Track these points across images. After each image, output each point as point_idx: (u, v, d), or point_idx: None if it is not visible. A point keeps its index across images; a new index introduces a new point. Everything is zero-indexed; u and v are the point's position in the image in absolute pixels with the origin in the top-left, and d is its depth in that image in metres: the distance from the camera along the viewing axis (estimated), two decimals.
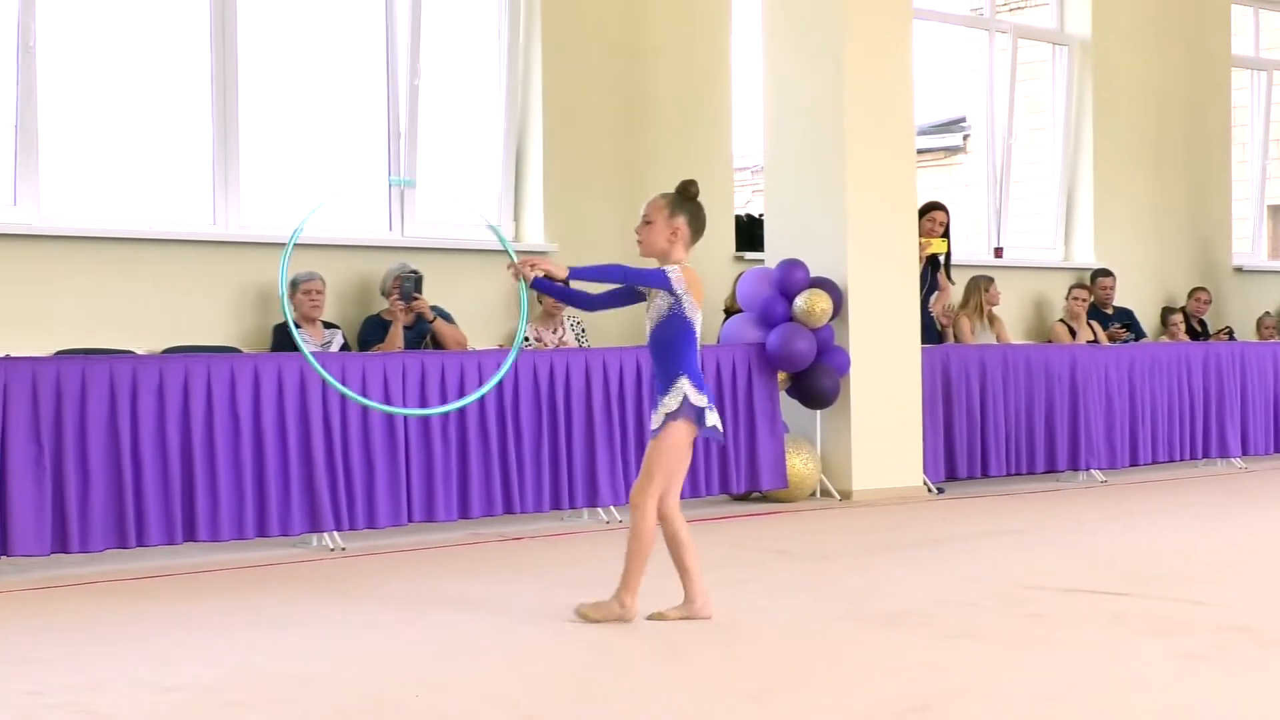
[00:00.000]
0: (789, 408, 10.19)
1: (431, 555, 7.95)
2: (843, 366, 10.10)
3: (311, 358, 6.11)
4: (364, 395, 8.14)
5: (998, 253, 13.67)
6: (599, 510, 9.07)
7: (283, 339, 9.20)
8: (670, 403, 5.76)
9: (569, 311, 10.41)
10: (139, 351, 8.85)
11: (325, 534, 8.10)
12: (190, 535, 7.69)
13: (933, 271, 11.38)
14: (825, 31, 10.31)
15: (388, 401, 8.22)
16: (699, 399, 5.76)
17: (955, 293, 12.10)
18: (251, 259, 9.62)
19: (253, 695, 4.76)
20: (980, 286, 12.35)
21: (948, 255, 11.51)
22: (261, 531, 7.89)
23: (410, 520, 8.36)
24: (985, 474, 10.99)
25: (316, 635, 5.78)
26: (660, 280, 5.76)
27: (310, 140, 10.34)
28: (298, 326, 9.28)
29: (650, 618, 5.85)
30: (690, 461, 5.95)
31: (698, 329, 5.81)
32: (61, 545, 7.35)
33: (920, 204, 11.07)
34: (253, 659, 5.32)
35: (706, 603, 5.84)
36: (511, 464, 8.65)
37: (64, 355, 8.21)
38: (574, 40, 11.04)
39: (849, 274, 10.20)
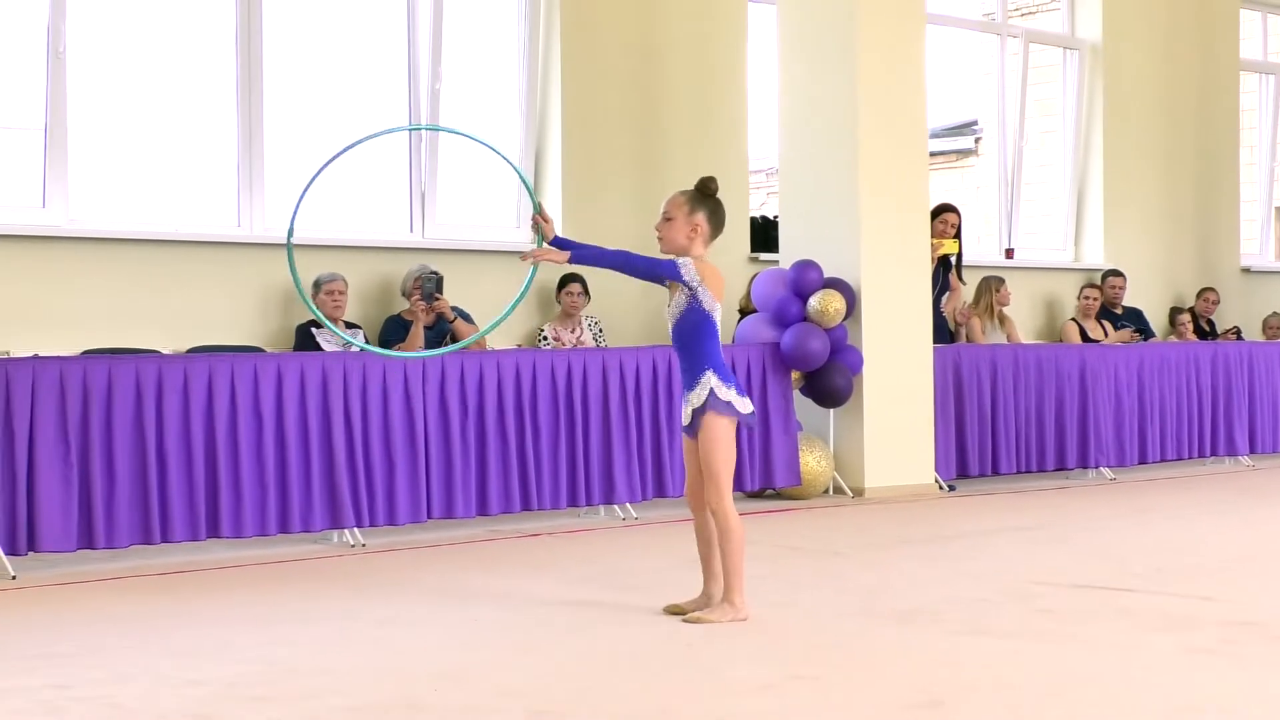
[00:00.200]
0: (803, 406, 10.26)
1: (450, 551, 7.99)
2: (856, 366, 10.18)
3: (336, 330, 6.17)
4: (384, 395, 8.24)
5: (1009, 254, 13.74)
6: (615, 507, 9.15)
7: (305, 339, 9.31)
8: (696, 398, 5.79)
9: (587, 311, 10.51)
10: (164, 351, 8.95)
11: (346, 530, 8.15)
12: (214, 532, 7.75)
13: (944, 272, 11.44)
14: (839, 36, 10.37)
15: (408, 400, 8.31)
16: (725, 392, 5.77)
17: (966, 293, 12.18)
18: (275, 260, 9.69)
19: (275, 690, 4.78)
20: (991, 287, 12.41)
21: (959, 256, 11.57)
22: (284, 528, 7.95)
23: (430, 517, 8.42)
24: (996, 472, 11.05)
25: (337, 630, 5.80)
26: (670, 270, 5.78)
27: (334, 143, 10.38)
28: (318, 326, 9.39)
29: (667, 611, 5.91)
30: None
31: (719, 323, 5.84)
32: (88, 541, 7.41)
33: (932, 206, 11.12)
34: (275, 654, 5.33)
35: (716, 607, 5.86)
36: (530, 462, 8.71)
37: (91, 355, 8.27)
38: (592, 45, 11.13)
39: (862, 275, 10.27)
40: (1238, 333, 14.31)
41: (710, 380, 5.79)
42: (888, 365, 10.32)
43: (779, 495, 10.10)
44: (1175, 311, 14.28)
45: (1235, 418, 12.45)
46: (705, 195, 5.88)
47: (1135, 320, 13.51)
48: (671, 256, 5.88)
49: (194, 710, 4.52)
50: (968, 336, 12.03)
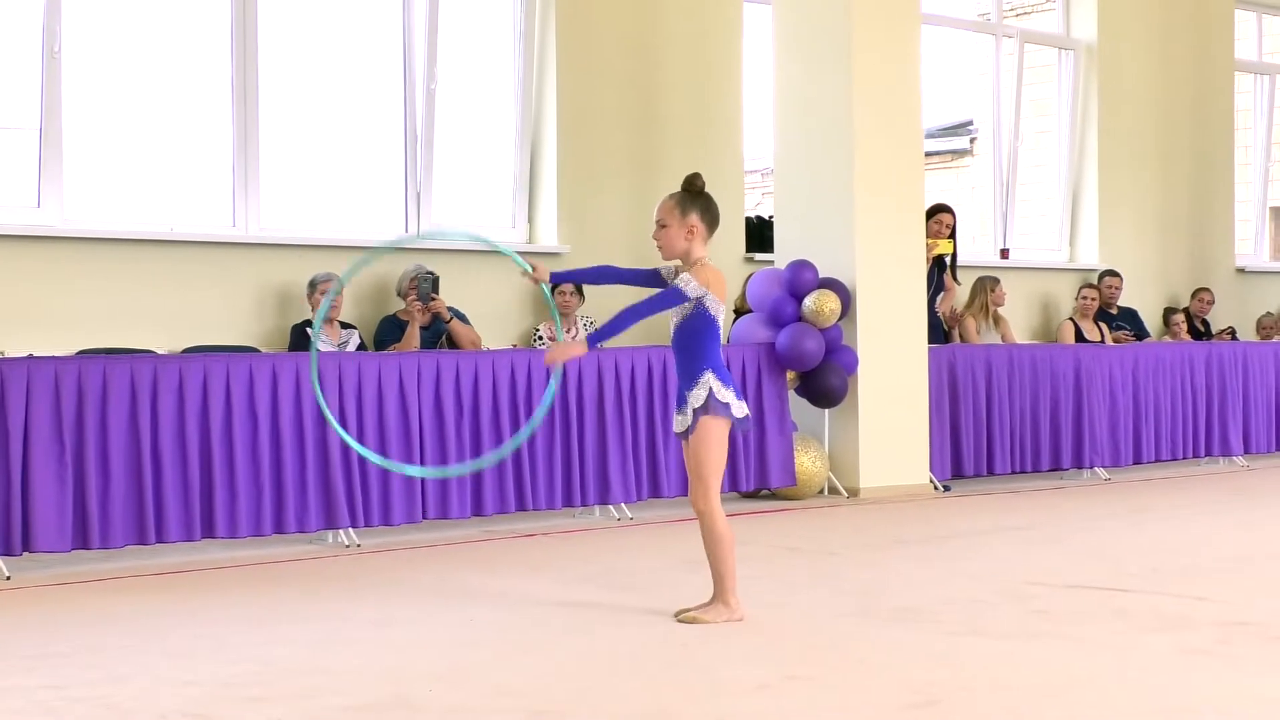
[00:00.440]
0: (798, 406, 10.27)
1: (446, 552, 7.99)
2: (851, 366, 10.18)
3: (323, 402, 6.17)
4: (379, 395, 8.24)
5: (1004, 254, 13.75)
6: (610, 508, 9.15)
7: (300, 339, 9.31)
8: (695, 399, 5.76)
9: (582, 311, 10.52)
10: (159, 351, 8.95)
11: (341, 531, 8.15)
12: (209, 532, 7.75)
13: (939, 272, 11.45)
14: (834, 36, 10.38)
15: (403, 400, 8.32)
16: (724, 394, 5.76)
17: (961, 293, 12.20)
18: (270, 260, 9.72)
19: (270, 690, 4.79)
20: (986, 287, 12.43)
21: (954, 256, 11.58)
22: (279, 528, 7.95)
23: (425, 517, 8.42)
24: (991, 472, 11.06)
25: (333, 630, 5.81)
26: (677, 296, 5.73)
27: (329, 144, 10.44)
28: (313, 324, 9.39)
29: (680, 616, 5.88)
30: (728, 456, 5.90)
31: (721, 324, 5.82)
32: (82, 541, 7.41)
33: (927, 206, 11.14)
34: (271, 654, 5.34)
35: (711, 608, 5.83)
36: (525, 462, 8.72)
37: (86, 355, 8.29)
38: (588, 45, 11.13)
39: (857, 275, 10.28)
40: (1233, 333, 14.33)
41: (709, 380, 5.77)
42: (883, 365, 10.33)
43: (774, 495, 10.10)
44: (1169, 312, 14.30)
45: (1230, 418, 12.47)
46: (694, 193, 5.85)
47: (1130, 320, 13.53)
48: (676, 264, 5.87)
49: (190, 710, 4.53)
50: (962, 336, 12.04)
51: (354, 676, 4.97)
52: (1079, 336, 12.87)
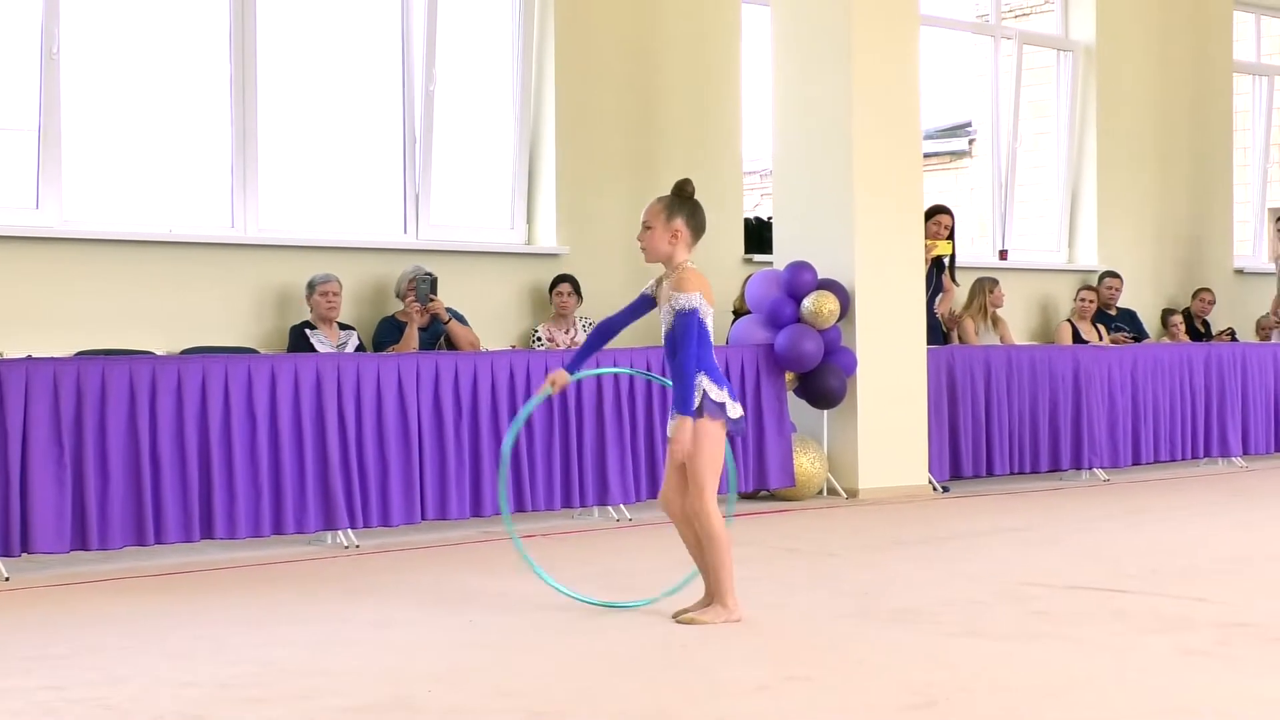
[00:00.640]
0: (796, 407, 10.27)
1: (444, 553, 8.00)
2: (849, 367, 10.19)
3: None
4: (378, 396, 8.24)
5: (1002, 255, 13.76)
6: (609, 508, 9.16)
7: (299, 340, 9.31)
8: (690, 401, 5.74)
9: (580, 312, 10.53)
10: (158, 352, 8.95)
11: (340, 532, 8.16)
12: (208, 533, 7.76)
13: (938, 273, 11.45)
14: (833, 37, 10.39)
15: (402, 401, 8.32)
16: (719, 394, 5.74)
17: (960, 294, 12.20)
18: (269, 261, 9.72)
19: (270, 691, 4.79)
20: (985, 288, 12.44)
21: (953, 257, 11.59)
22: (277, 529, 7.95)
23: (424, 518, 8.43)
24: (990, 473, 11.07)
25: (332, 631, 5.81)
26: (694, 320, 5.69)
27: (327, 145, 10.44)
28: (312, 327, 9.40)
29: (679, 617, 5.87)
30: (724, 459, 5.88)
31: (711, 326, 5.80)
32: (81, 543, 7.41)
33: (926, 207, 11.14)
34: (270, 655, 5.34)
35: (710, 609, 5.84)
36: (523, 463, 8.72)
37: (84, 356, 8.29)
38: (587, 46, 11.14)
39: (856, 276, 10.29)
40: (1232, 334, 14.33)
41: (703, 383, 5.75)
42: (882, 366, 10.33)
43: (773, 496, 10.11)
44: (1167, 313, 14.31)
45: (1228, 419, 12.47)
46: (682, 198, 5.84)
47: (1129, 322, 13.54)
48: (659, 268, 5.86)
49: (189, 711, 4.53)
50: (961, 338, 12.05)
51: (353, 677, 4.97)
52: (1076, 338, 12.88)
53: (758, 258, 11.75)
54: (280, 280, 9.73)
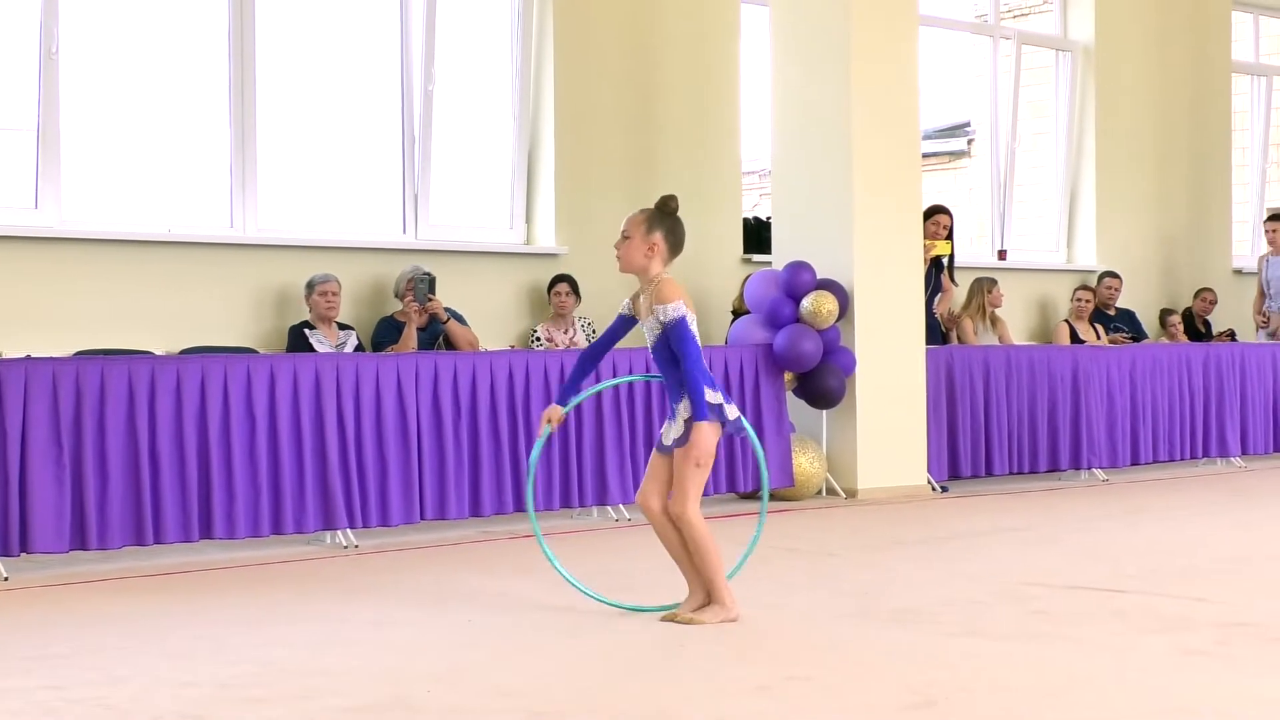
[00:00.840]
0: (796, 407, 10.27)
1: (443, 552, 8.00)
2: (848, 367, 10.19)
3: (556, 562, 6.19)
4: (377, 396, 8.24)
5: (1001, 255, 13.77)
6: (608, 508, 9.16)
7: (298, 340, 9.31)
8: (685, 409, 5.72)
9: (579, 312, 10.53)
10: (157, 352, 8.96)
11: (339, 532, 8.16)
12: (207, 533, 7.76)
13: (937, 273, 11.46)
14: (832, 37, 10.38)
15: (401, 401, 8.32)
16: (714, 396, 5.74)
17: (959, 294, 12.21)
18: (268, 261, 9.72)
19: (269, 691, 4.79)
20: (983, 288, 12.45)
21: (951, 257, 11.60)
22: (277, 529, 7.95)
23: (423, 518, 8.42)
24: (989, 473, 11.07)
25: (331, 631, 5.81)
26: (686, 327, 5.69)
27: (326, 145, 10.44)
28: (311, 327, 9.40)
29: (664, 619, 5.88)
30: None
31: (696, 330, 5.79)
32: (80, 543, 7.41)
33: (925, 207, 11.15)
34: (269, 654, 5.35)
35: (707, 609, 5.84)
36: (523, 463, 8.72)
37: (83, 356, 8.29)
38: (586, 47, 11.14)
39: (855, 276, 10.29)
40: (1232, 334, 14.33)
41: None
42: (881, 366, 10.34)
43: (772, 496, 10.08)
44: (1166, 313, 14.31)
45: (1227, 419, 12.48)
46: (664, 214, 5.85)
47: (1128, 322, 13.54)
48: (633, 280, 5.88)
49: (188, 711, 4.53)
50: (960, 338, 12.05)
51: (352, 677, 4.97)
52: (1074, 338, 12.88)
53: (756, 258, 11.75)
54: (279, 280, 9.74)
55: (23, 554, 7.34)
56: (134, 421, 7.55)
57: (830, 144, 10.39)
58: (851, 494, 10.25)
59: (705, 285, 11.41)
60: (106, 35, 9.52)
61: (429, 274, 9.70)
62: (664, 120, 11.54)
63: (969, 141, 21.32)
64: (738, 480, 9.62)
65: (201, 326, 9.43)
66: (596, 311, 10.69)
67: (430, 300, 9.62)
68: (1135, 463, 11.90)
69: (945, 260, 11.50)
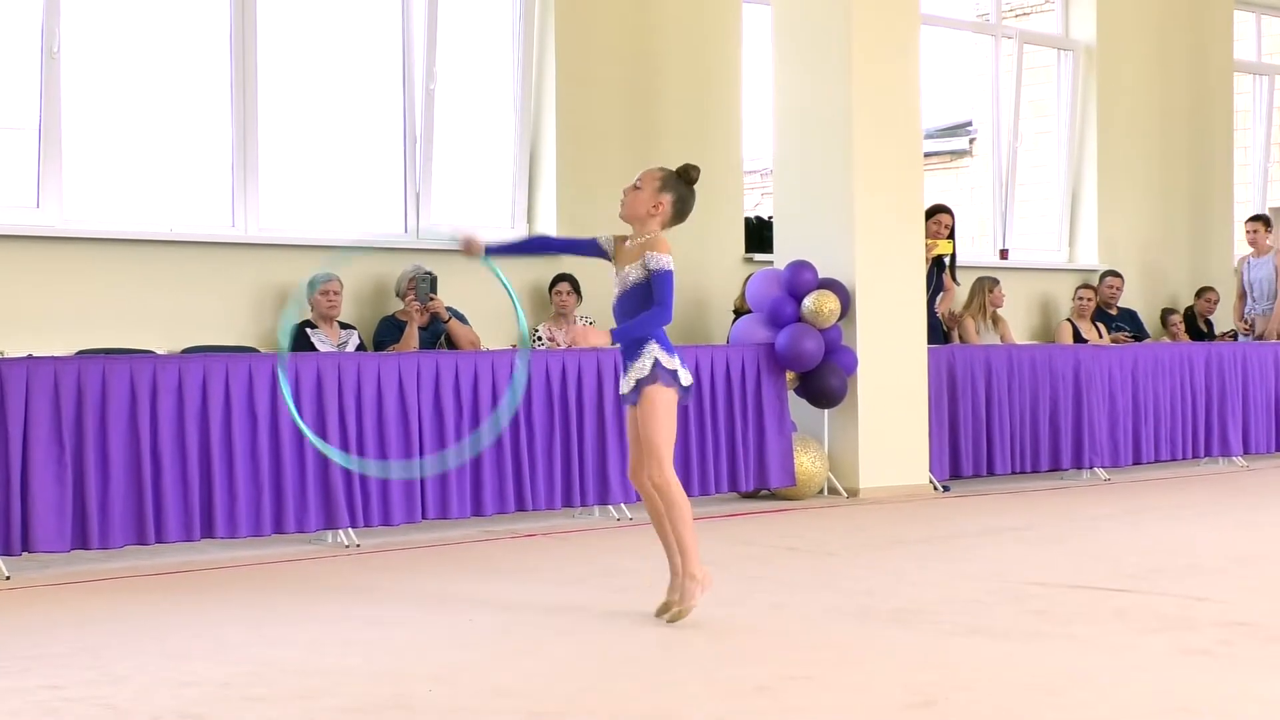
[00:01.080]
0: (797, 407, 10.27)
1: (445, 552, 8.00)
2: (850, 366, 10.19)
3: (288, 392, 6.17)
4: (379, 395, 8.24)
5: (1003, 254, 13.77)
6: (610, 507, 9.16)
7: (300, 339, 9.31)
8: (641, 367, 5.75)
9: (580, 311, 10.53)
10: (159, 351, 8.95)
11: (340, 531, 8.15)
12: (208, 532, 7.76)
13: (938, 273, 11.46)
14: (833, 36, 10.38)
15: (402, 400, 8.32)
16: (670, 361, 5.75)
17: (960, 294, 12.20)
18: (270, 260, 9.72)
19: (270, 690, 4.79)
20: (985, 287, 12.44)
21: (953, 257, 11.60)
22: (278, 528, 7.95)
23: (424, 517, 8.42)
24: (990, 472, 11.06)
25: (332, 630, 5.81)
26: (670, 279, 5.73)
27: (328, 144, 10.44)
28: (313, 326, 9.40)
29: (658, 614, 5.87)
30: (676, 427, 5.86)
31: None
32: (82, 542, 7.41)
33: (926, 206, 11.15)
34: (270, 654, 5.35)
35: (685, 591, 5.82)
36: (524, 462, 8.72)
37: (85, 355, 8.27)
38: (587, 46, 11.14)
39: (856, 275, 10.29)
40: (1234, 335, 14.32)
41: (654, 350, 5.77)
42: (882, 366, 10.33)
43: (774, 496, 10.11)
44: (1167, 312, 14.31)
45: (1229, 418, 12.47)
46: (682, 180, 5.86)
47: (1129, 321, 13.53)
48: (628, 228, 5.93)
49: (189, 711, 4.53)
50: (961, 337, 12.05)
51: (353, 677, 4.97)
52: (1077, 337, 12.88)
53: (758, 257, 11.75)
54: (281, 279, 9.73)
55: (24, 553, 7.33)
56: (136, 421, 7.56)
57: (832, 143, 10.39)
58: (853, 493, 10.25)
59: (707, 284, 11.42)
60: (108, 34, 9.52)
61: (430, 273, 9.70)
62: (665, 120, 11.53)
63: (971, 141, 21.32)
64: (739, 479, 9.62)
65: (203, 326, 9.43)
66: (598, 311, 10.68)
67: (432, 299, 9.62)
68: (1137, 462, 11.90)
69: (947, 259, 11.50)
